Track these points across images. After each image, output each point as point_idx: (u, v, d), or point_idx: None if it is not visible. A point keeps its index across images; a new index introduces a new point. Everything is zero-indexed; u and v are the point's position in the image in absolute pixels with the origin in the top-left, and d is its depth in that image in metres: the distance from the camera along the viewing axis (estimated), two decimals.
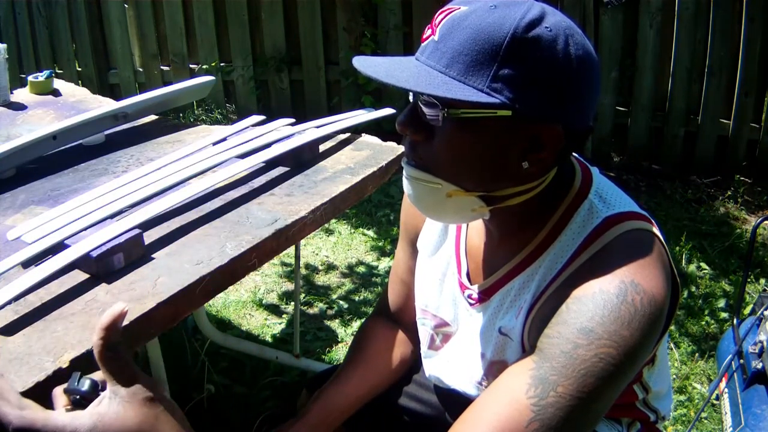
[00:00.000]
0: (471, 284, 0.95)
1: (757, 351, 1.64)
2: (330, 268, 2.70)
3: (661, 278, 0.78)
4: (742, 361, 1.69)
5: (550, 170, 0.82)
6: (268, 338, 2.26)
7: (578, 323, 0.74)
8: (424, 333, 1.06)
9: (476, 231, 0.96)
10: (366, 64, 0.78)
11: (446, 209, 0.84)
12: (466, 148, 0.78)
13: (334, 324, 2.33)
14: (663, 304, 0.77)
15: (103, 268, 1.08)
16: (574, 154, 0.90)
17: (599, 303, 0.74)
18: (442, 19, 0.77)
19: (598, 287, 0.75)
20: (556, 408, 0.70)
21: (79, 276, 1.09)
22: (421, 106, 0.79)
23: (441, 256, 1.01)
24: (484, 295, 0.93)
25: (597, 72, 0.79)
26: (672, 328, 2.25)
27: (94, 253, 1.07)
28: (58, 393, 0.65)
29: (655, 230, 0.83)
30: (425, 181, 0.81)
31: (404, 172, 0.84)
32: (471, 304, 0.95)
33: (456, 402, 1.07)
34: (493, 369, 0.92)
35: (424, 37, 0.79)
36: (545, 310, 0.80)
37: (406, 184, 0.85)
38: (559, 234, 0.84)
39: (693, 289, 2.47)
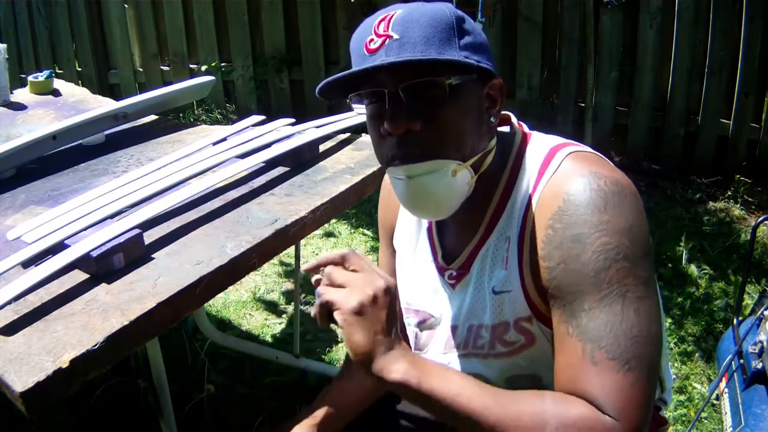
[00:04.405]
0: (449, 265, 0.97)
1: (757, 351, 1.63)
2: None
3: (618, 170, 0.85)
4: (742, 361, 1.69)
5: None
6: (268, 338, 2.26)
7: (567, 237, 0.80)
8: (410, 333, 1.07)
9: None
10: (335, 77, 0.83)
11: (454, 192, 0.87)
12: (464, 113, 0.85)
13: (334, 324, 2.32)
14: (630, 186, 0.83)
15: (103, 268, 1.08)
16: (513, 118, 0.99)
17: (572, 205, 0.81)
18: (388, 24, 0.83)
19: (564, 192, 0.83)
20: (594, 322, 0.76)
21: (79, 276, 1.09)
22: (414, 94, 0.82)
23: (419, 250, 1.03)
24: (463, 270, 0.95)
25: None
26: (672, 327, 2.25)
27: (94, 253, 1.07)
28: None
29: (598, 153, 0.90)
30: (433, 170, 0.84)
31: (403, 175, 0.85)
32: (452, 285, 0.97)
33: None
34: (498, 332, 0.93)
35: (375, 46, 0.82)
36: (539, 244, 0.84)
37: (406, 189, 0.86)
38: (515, 183, 0.90)
39: (693, 289, 2.47)
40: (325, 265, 0.80)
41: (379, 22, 0.83)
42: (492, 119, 0.89)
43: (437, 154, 0.84)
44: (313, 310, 0.79)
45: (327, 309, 0.77)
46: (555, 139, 0.93)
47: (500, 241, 0.91)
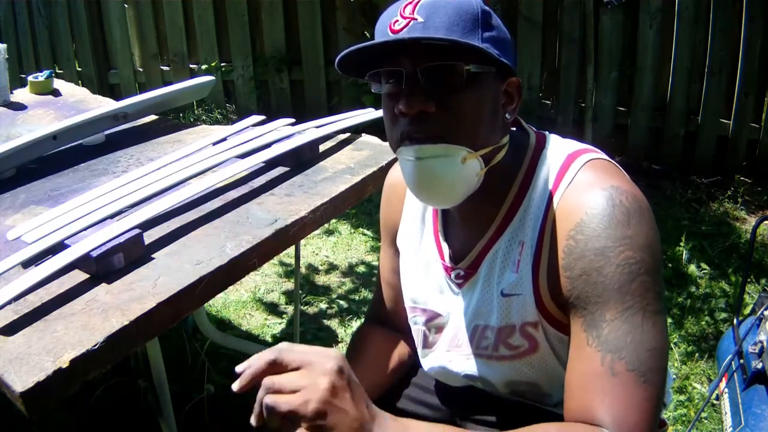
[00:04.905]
0: (456, 265, 0.97)
1: (757, 351, 1.63)
2: (330, 268, 2.70)
3: (633, 183, 0.87)
4: (742, 361, 1.69)
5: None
6: (268, 338, 2.26)
7: (590, 249, 0.81)
8: (417, 332, 1.06)
9: (452, 214, 0.99)
10: (355, 47, 0.83)
11: (461, 180, 0.86)
12: (479, 103, 0.85)
13: (334, 324, 2.33)
14: (646, 202, 0.85)
15: (103, 268, 1.08)
16: (529, 125, 0.98)
17: (595, 220, 0.82)
18: (414, 8, 0.83)
19: (587, 206, 0.83)
20: (616, 333, 0.77)
21: (79, 276, 1.09)
22: (432, 77, 0.82)
23: (423, 249, 1.03)
24: (471, 270, 0.95)
25: None
26: (672, 327, 2.25)
27: (94, 253, 1.07)
28: None
29: (612, 160, 0.91)
30: (441, 154, 0.83)
31: (412, 156, 0.84)
32: (459, 284, 0.97)
33: (456, 401, 1.07)
34: (503, 335, 0.93)
35: (399, 27, 0.82)
36: (558, 254, 0.85)
37: (414, 170, 0.85)
38: (529, 186, 0.90)
39: (693, 289, 2.47)
40: (260, 377, 0.69)
41: (406, 6, 0.84)
42: (507, 116, 0.89)
43: (449, 139, 0.84)
44: (254, 419, 0.70)
45: (289, 418, 0.67)
46: (571, 145, 0.93)
47: (512, 243, 0.90)
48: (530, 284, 0.88)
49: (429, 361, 1.06)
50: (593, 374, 0.77)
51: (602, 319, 0.78)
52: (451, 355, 1.01)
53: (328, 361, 0.69)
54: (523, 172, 0.91)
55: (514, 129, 0.97)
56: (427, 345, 1.05)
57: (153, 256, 1.14)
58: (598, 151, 0.92)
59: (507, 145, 0.91)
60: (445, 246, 1.00)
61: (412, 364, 1.15)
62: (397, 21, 0.83)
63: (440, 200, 0.93)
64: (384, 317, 1.17)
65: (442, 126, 0.83)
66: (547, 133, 0.97)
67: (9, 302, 0.99)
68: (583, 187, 0.85)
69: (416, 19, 0.82)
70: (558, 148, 0.92)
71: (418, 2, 0.83)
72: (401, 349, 1.15)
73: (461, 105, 0.83)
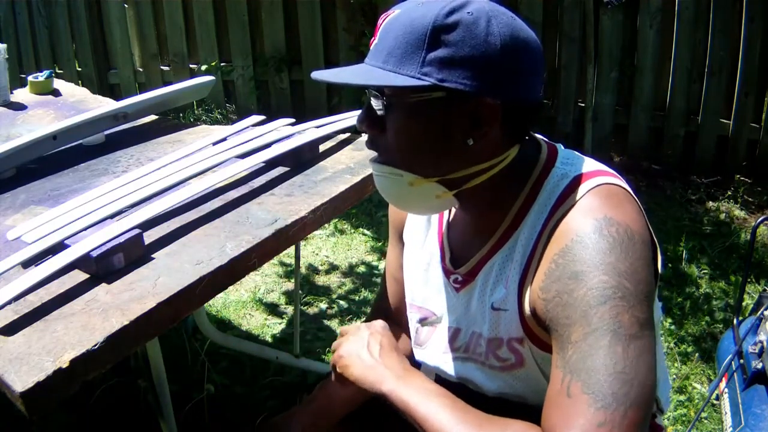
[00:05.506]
0: (456, 269, 0.97)
1: (757, 351, 1.63)
2: (330, 268, 2.70)
3: (635, 215, 0.82)
4: (742, 361, 1.69)
5: (505, 146, 0.87)
6: (268, 338, 2.26)
7: (566, 272, 0.79)
8: (412, 328, 1.08)
9: (457, 218, 1.00)
10: (320, 73, 0.88)
11: (411, 199, 0.90)
12: (411, 133, 0.84)
13: (334, 324, 2.33)
14: (643, 235, 0.81)
15: (103, 268, 1.08)
16: (542, 137, 0.95)
17: (578, 245, 0.80)
18: (381, 24, 0.84)
19: (575, 232, 0.81)
20: (578, 354, 0.74)
21: (79, 276, 1.09)
22: (372, 102, 0.87)
23: (426, 247, 1.04)
24: (469, 277, 0.95)
25: (529, 49, 0.83)
26: (672, 328, 2.25)
27: (94, 253, 1.07)
28: None
29: (625, 186, 0.87)
30: (388, 173, 0.88)
31: (372, 170, 0.91)
32: (457, 289, 0.98)
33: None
34: (492, 346, 0.93)
35: (371, 42, 0.87)
36: (540, 275, 0.84)
37: (376, 182, 0.91)
38: (532, 203, 0.88)
39: (693, 289, 2.47)
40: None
41: (381, 21, 0.85)
42: (470, 141, 0.83)
43: (389, 163, 0.87)
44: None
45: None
46: (585, 165, 0.89)
47: (507, 259, 0.90)
48: (515, 302, 0.88)
49: (424, 356, 1.07)
50: (555, 394, 0.75)
51: (569, 340, 0.76)
52: (447, 357, 1.01)
53: (359, 326, 0.97)
54: (528, 187, 0.89)
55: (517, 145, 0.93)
56: (418, 342, 1.06)
57: (153, 256, 1.14)
58: (614, 174, 0.88)
59: (492, 168, 0.86)
60: (447, 248, 1.00)
61: (412, 361, 1.15)
62: (373, 38, 0.86)
63: (405, 210, 1.00)
64: (388, 313, 1.17)
65: (381, 149, 0.88)
66: (560, 146, 0.94)
67: (9, 302, 0.99)
68: (579, 213, 0.82)
69: (375, 40, 0.85)
70: (570, 166, 0.89)
71: (386, 18, 0.85)
72: (405, 345, 1.15)
73: (391, 133, 0.85)
